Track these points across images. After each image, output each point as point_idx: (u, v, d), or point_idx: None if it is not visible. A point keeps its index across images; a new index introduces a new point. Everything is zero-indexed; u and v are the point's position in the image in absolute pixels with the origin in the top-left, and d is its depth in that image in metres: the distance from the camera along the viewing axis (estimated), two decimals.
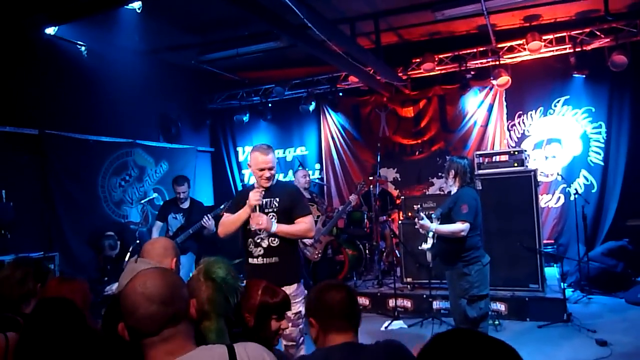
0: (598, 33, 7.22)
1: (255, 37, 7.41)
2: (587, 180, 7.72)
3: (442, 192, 7.50)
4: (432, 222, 4.38)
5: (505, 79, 7.69)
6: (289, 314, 2.39)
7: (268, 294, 2.23)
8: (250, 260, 3.68)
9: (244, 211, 3.62)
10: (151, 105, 8.47)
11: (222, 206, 5.79)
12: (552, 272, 7.10)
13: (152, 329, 1.47)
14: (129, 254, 6.11)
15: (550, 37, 7.45)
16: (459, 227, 4.18)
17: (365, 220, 7.95)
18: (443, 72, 8.30)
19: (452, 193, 4.49)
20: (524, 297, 5.93)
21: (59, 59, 6.82)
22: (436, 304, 6.24)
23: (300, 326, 3.59)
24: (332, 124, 9.70)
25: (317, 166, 9.83)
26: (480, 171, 6.46)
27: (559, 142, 8.01)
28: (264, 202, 3.65)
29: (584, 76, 7.48)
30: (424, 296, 6.35)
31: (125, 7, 5.68)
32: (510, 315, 5.91)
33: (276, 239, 3.62)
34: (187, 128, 9.55)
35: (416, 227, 4.58)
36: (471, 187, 4.41)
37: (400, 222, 7.02)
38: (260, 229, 3.55)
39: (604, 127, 7.64)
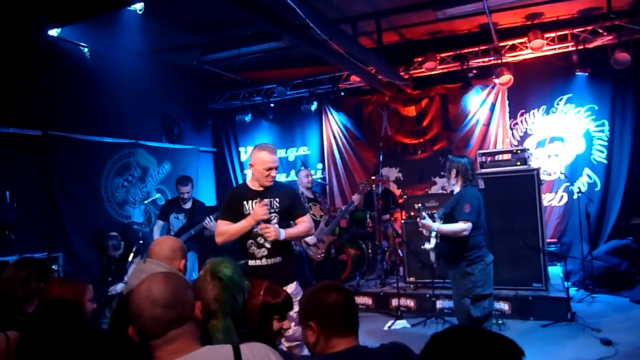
0: (600, 31, 7.20)
1: (257, 37, 7.41)
2: (591, 179, 7.71)
3: (444, 192, 7.48)
4: (434, 221, 4.38)
5: (507, 77, 7.68)
6: (291, 313, 2.39)
7: (270, 294, 2.23)
8: (251, 262, 3.60)
9: (247, 223, 3.57)
10: (153, 105, 8.49)
11: None
12: (555, 271, 7.08)
13: (157, 331, 1.53)
14: (132, 254, 6.13)
15: (553, 35, 7.43)
16: (461, 226, 4.17)
17: (368, 220, 7.94)
18: (445, 71, 8.29)
19: (455, 192, 4.48)
20: (527, 297, 5.92)
21: (62, 61, 6.84)
22: (439, 304, 6.24)
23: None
24: (334, 123, 9.70)
25: (319, 166, 9.83)
26: (483, 170, 6.45)
27: (562, 140, 7.99)
28: (267, 202, 3.66)
29: (586, 74, 7.45)
30: (427, 296, 6.35)
31: (128, 8, 5.70)
32: (514, 315, 5.90)
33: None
34: (190, 128, 9.56)
35: (420, 228, 4.58)
36: (474, 187, 4.40)
37: (402, 221, 7.02)
38: (270, 239, 3.56)
39: (607, 125, 7.62)
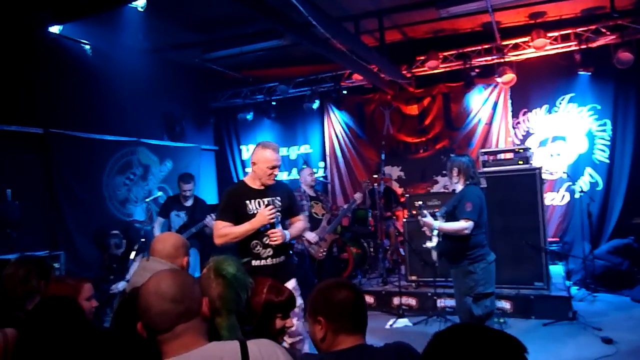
0: (603, 30, 7.18)
1: (259, 35, 7.41)
2: (593, 178, 7.69)
3: (446, 190, 7.48)
4: (436, 220, 4.38)
5: (510, 76, 7.67)
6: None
7: (274, 292, 2.23)
8: (255, 262, 3.57)
9: (252, 226, 3.53)
10: (155, 103, 8.49)
11: None
12: (557, 270, 7.07)
13: (165, 325, 1.55)
14: (134, 252, 6.12)
15: (556, 34, 7.41)
16: (463, 225, 4.17)
17: (370, 219, 7.94)
18: (447, 69, 8.28)
19: (457, 191, 4.48)
20: (529, 295, 5.92)
21: (64, 58, 6.84)
22: (441, 302, 6.23)
23: (302, 320, 3.56)
24: (336, 122, 9.69)
25: (321, 164, 9.83)
26: (485, 169, 6.44)
27: (564, 139, 7.97)
28: (268, 201, 3.67)
29: (589, 73, 7.44)
30: (429, 294, 6.35)
31: (129, 5, 5.69)
32: (516, 313, 5.89)
33: None
34: (191, 126, 9.56)
35: (422, 228, 4.58)
36: (476, 185, 4.40)
37: (404, 220, 7.02)
38: (278, 243, 3.57)
39: (610, 125, 7.61)
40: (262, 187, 3.68)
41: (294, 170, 9.85)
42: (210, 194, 9.61)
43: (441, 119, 8.89)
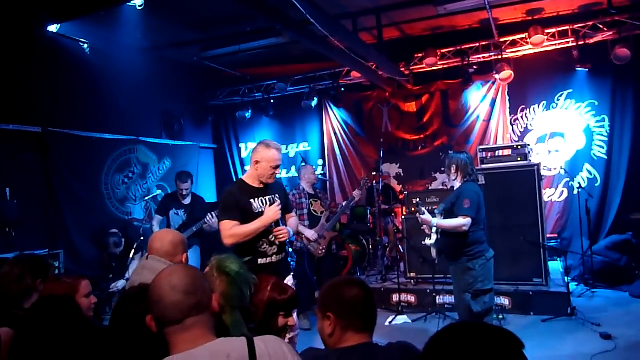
0: (601, 26, 7.18)
1: (257, 33, 7.39)
2: (591, 174, 7.71)
3: (445, 187, 7.49)
4: (435, 217, 4.39)
5: (507, 73, 7.68)
6: None
7: (277, 290, 2.25)
8: (261, 260, 3.62)
9: (262, 224, 3.56)
10: (154, 102, 8.47)
11: None
12: (555, 266, 7.10)
13: (176, 316, 1.58)
14: (133, 251, 6.13)
15: (553, 30, 7.42)
16: (460, 221, 4.19)
17: (369, 216, 7.95)
18: (445, 66, 8.27)
19: (455, 188, 4.50)
20: (528, 292, 5.94)
21: (62, 57, 6.82)
22: (440, 299, 6.26)
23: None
24: (335, 119, 9.69)
25: (320, 162, 9.83)
26: (483, 166, 6.46)
27: (562, 136, 7.99)
28: (269, 199, 3.71)
29: (587, 70, 7.45)
30: (428, 291, 6.37)
31: (127, 4, 5.69)
32: (515, 310, 5.92)
33: None
34: (190, 125, 9.56)
35: (422, 227, 4.59)
36: (474, 182, 4.42)
37: (403, 217, 7.03)
38: (284, 240, 3.67)
39: (607, 121, 7.62)
40: (262, 186, 3.73)
41: (293, 168, 9.85)
42: (209, 192, 9.61)
43: (439, 116, 8.90)
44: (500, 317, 5.62)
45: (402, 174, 9.21)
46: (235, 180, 9.89)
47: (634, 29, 6.96)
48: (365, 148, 9.45)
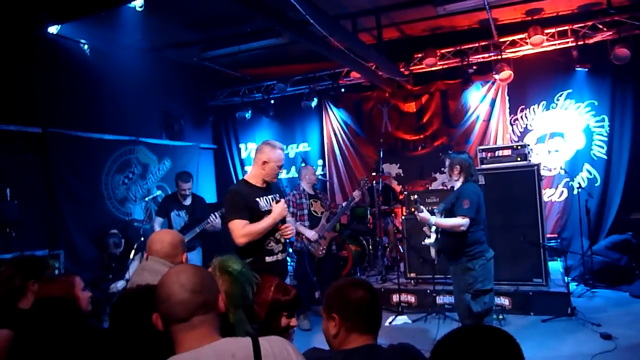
0: (600, 26, 7.19)
1: (257, 34, 7.41)
2: (591, 174, 7.71)
3: (445, 187, 7.49)
4: (434, 216, 4.40)
5: (507, 73, 7.68)
6: None
7: (280, 291, 2.25)
8: (269, 258, 3.69)
9: (271, 221, 3.64)
10: (154, 102, 8.49)
11: None
12: (555, 266, 7.10)
13: (183, 314, 1.59)
14: (133, 251, 6.14)
15: (553, 30, 7.43)
16: (459, 221, 4.19)
17: (369, 216, 7.95)
18: (445, 67, 8.28)
19: (455, 188, 4.50)
20: (528, 292, 5.94)
21: (62, 58, 6.84)
22: (440, 299, 6.25)
23: None
24: (334, 120, 9.70)
25: (320, 162, 9.83)
26: (483, 166, 6.46)
27: (562, 136, 7.99)
28: (272, 198, 3.76)
29: (586, 70, 7.46)
30: (428, 291, 6.36)
31: (127, 5, 5.69)
32: (515, 310, 5.91)
33: None
34: (190, 125, 9.57)
35: (423, 228, 4.59)
36: (474, 182, 4.42)
37: (403, 217, 7.03)
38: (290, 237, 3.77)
39: (607, 121, 7.62)
40: (264, 185, 3.81)
41: (293, 169, 9.85)
42: (209, 193, 9.62)
43: (439, 116, 8.90)
44: (500, 317, 5.61)
45: (402, 174, 9.21)
46: (235, 181, 9.94)
47: (634, 29, 6.97)
48: (365, 148, 9.46)
